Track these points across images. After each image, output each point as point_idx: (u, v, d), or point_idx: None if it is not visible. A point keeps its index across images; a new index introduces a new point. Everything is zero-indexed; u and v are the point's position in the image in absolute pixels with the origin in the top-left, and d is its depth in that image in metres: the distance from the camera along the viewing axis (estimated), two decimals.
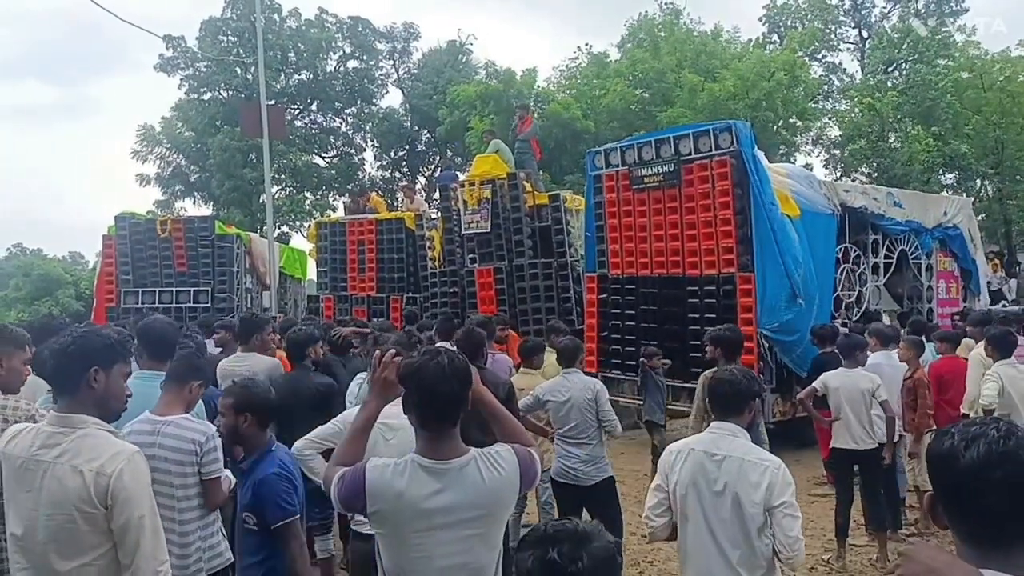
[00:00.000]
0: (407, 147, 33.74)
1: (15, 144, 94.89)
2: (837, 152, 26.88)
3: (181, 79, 30.83)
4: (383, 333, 6.85)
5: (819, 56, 29.04)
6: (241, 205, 29.18)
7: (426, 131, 32.81)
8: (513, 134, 14.88)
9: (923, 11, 27.94)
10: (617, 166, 10.29)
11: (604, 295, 10.59)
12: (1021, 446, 1.47)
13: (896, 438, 6.43)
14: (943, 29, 25.10)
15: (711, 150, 9.27)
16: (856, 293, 10.58)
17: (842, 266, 10.36)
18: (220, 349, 6.92)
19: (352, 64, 33.03)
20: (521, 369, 6.70)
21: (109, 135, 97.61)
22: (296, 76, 32.32)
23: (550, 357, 6.55)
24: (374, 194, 21.04)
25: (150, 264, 14.95)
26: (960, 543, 1.54)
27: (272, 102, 23.82)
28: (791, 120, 24.47)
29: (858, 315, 10.27)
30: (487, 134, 15.74)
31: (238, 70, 30.43)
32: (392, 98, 35.64)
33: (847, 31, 30.04)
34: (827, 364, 6.92)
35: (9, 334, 3.58)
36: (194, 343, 6.41)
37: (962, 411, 6.32)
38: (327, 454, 4.04)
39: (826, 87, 28.49)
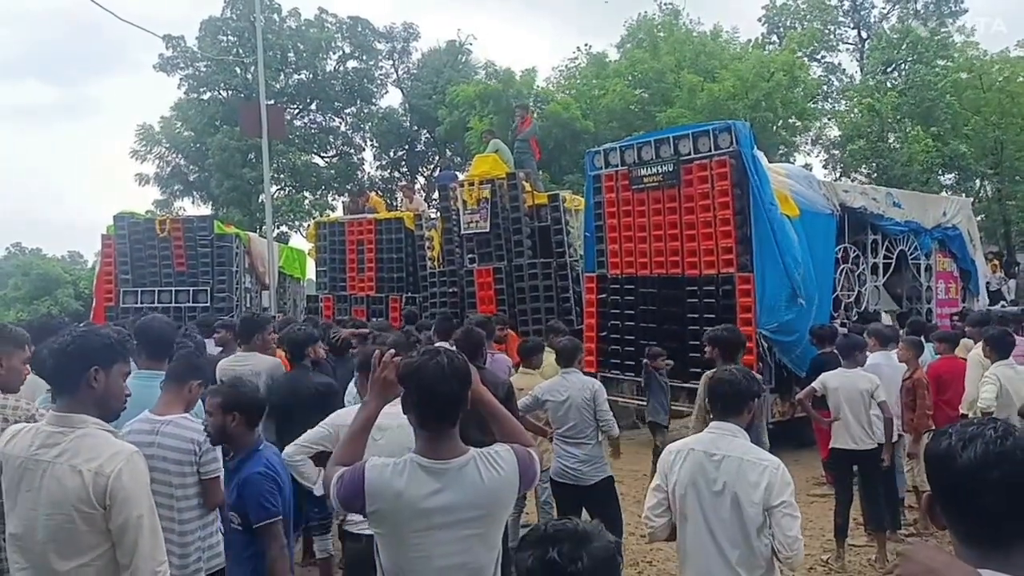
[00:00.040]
0: (406, 147, 33.73)
1: (15, 144, 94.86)
2: (836, 152, 26.89)
3: (180, 79, 30.83)
4: (381, 333, 6.87)
5: (818, 56, 29.04)
6: (240, 205, 29.16)
7: (425, 131, 32.80)
8: (512, 134, 14.88)
9: (922, 12, 27.97)
10: (616, 166, 10.29)
11: (603, 295, 10.59)
12: (1018, 446, 1.47)
13: (895, 438, 6.43)
14: (942, 30, 25.13)
15: (710, 150, 9.28)
16: (855, 293, 10.59)
17: (841, 266, 10.37)
18: (221, 349, 6.93)
19: (351, 64, 33.02)
20: (520, 369, 6.71)
21: (109, 135, 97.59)
22: (295, 76, 32.30)
23: (549, 357, 6.56)
24: (373, 194, 21.03)
25: (149, 264, 14.93)
26: (958, 543, 1.54)
27: (271, 102, 23.82)
28: (790, 120, 24.49)
29: (856, 315, 10.27)
30: (486, 134, 15.73)
31: (238, 70, 30.40)
32: (391, 98, 35.68)
33: (846, 32, 30.07)
34: (826, 364, 6.92)
35: (9, 333, 3.58)
36: (193, 343, 6.42)
37: (961, 411, 6.33)
38: (317, 458, 4.07)
39: (825, 87, 28.50)
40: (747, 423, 3.41)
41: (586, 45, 39.80)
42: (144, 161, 31.21)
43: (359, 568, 3.91)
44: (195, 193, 31.57)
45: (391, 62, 33.89)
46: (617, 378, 10.27)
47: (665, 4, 27.93)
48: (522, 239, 12.18)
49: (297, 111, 32.56)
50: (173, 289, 14.82)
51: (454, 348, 3.94)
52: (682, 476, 3.33)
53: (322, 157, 33.72)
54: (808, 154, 28.64)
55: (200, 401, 3.73)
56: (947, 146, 21.59)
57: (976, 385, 6.12)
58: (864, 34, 29.49)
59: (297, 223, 31.42)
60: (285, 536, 3.39)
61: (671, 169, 9.62)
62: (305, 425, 4.16)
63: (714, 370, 4.68)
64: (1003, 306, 13.96)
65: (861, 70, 28.17)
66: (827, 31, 28.96)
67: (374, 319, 12.04)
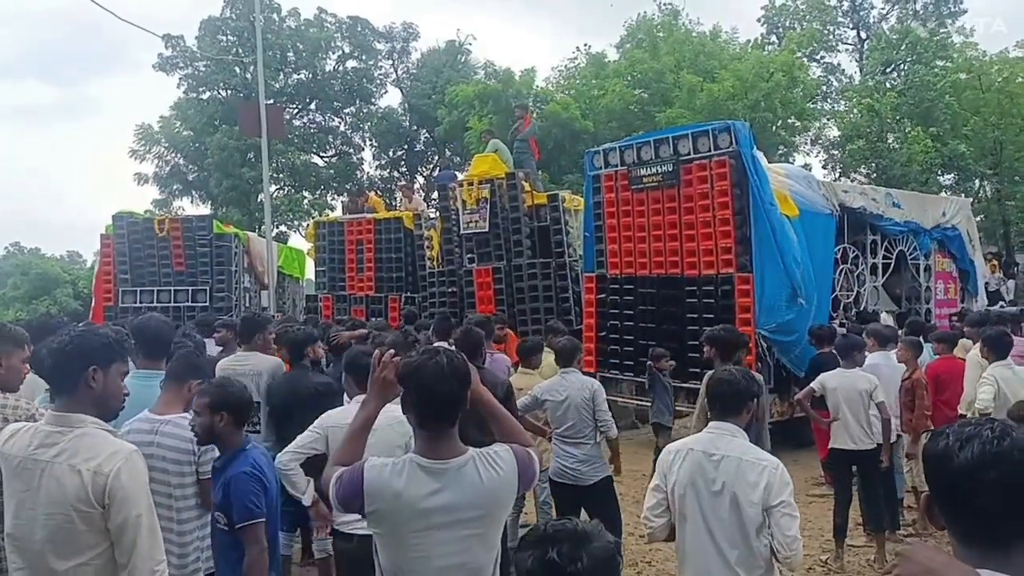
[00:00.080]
0: (406, 147, 33.74)
1: (14, 144, 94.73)
2: (836, 152, 26.91)
3: (180, 78, 30.84)
4: (380, 333, 6.87)
5: (818, 57, 29.06)
6: (239, 204, 29.16)
7: (425, 131, 32.81)
8: (512, 134, 14.88)
9: (921, 12, 27.99)
10: (616, 166, 10.29)
11: (603, 295, 10.59)
12: (1015, 446, 1.47)
13: (894, 439, 6.44)
14: (941, 30, 25.15)
15: (710, 150, 9.27)
16: (854, 294, 10.60)
17: (840, 266, 10.37)
18: (221, 348, 6.92)
19: (351, 64, 33.03)
20: (519, 369, 6.71)
21: (108, 135, 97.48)
22: (295, 75, 32.31)
23: (548, 357, 6.56)
24: (372, 194, 21.02)
25: (148, 263, 14.92)
26: (957, 543, 1.54)
27: (271, 101, 23.81)
28: (790, 121, 24.50)
29: (855, 315, 10.28)
30: (486, 134, 15.73)
31: (237, 69, 30.41)
32: (391, 98, 35.70)
33: (845, 32, 30.10)
34: (825, 364, 6.93)
35: (8, 333, 3.57)
36: (193, 342, 6.41)
37: (959, 412, 6.32)
38: (308, 465, 4.07)
39: (825, 88, 28.52)
40: (746, 423, 3.41)
41: (586, 45, 39.84)
42: (143, 161, 31.30)
43: (351, 567, 3.91)
44: (194, 193, 31.58)
45: (390, 62, 33.92)
46: (616, 378, 10.27)
47: (665, 4, 28.00)
48: (521, 239, 12.18)
49: (296, 111, 32.56)
50: (172, 289, 14.82)
51: (453, 348, 3.95)
52: (681, 476, 3.33)
53: (321, 157, 33.73)
54: (807, 154, 28.71)
55: None
56: (946, 146, 21.62)
57: (975, 385, 6.12)
58: (863, 34, 29.51)
59: (296, 223, 31.45)
60: (270, 538, 3.36)
61: (670, 169, 9.62)
62: (305, 425, 4.16)
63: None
64: (1002, 306, 13.97)
65: (860, 70, 28.21)
66: (826, 31, 28.98)
67: (373, 319, 12.03)
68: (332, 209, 29.43)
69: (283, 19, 31.43)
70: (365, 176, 33.68)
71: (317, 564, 5.42)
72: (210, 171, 29.44)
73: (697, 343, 7.40)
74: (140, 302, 14.45)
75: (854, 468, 6.35)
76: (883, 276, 11.12)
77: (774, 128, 23.42)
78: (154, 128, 31.43)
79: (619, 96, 23.46)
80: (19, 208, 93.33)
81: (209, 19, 30.49)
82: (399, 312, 13.18)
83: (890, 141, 22.93)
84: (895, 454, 6.60)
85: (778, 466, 3.23)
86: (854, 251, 10.64)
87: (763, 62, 23.24)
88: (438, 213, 14.07)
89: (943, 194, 20.37)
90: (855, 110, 23.98)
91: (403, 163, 34.17)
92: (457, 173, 16.40)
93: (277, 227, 28.80)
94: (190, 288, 14.79)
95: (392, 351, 2.74)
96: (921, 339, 7.32)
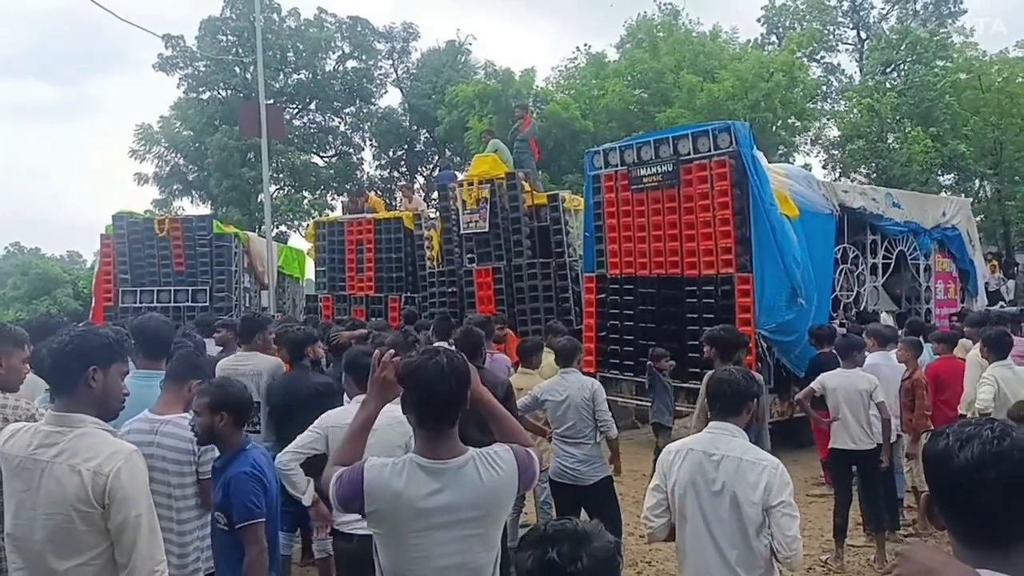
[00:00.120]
0: (406, 147, 33.74)
1: (14, 143, 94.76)
2: (836, 152, 26.91)
3: (180, 78, 30.84)
4: (380, 333, 6.87)
5: (818, 57, 29.07)
6: (239, 204, 29.16)
7: (425, 131, 32.81)
8: (512, 134, 14.88)
9: (921, 12, 28.00)
10: (616, 166, 10.29)
11: (602, 295, 10.59)
12: (1015, 446, 1.47)
13: (894, 439, 6.44)
14: (941, 30, 25.16)
15: (710, 150, 9.28)
16: (854, 294, 10.60)
17: (840, 267, 10.37)
18: (221, 348, 6.92)
19: (351, 64, 33.03)
20: (519, 369, 6.71)
21: (108, 134, 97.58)
22: (295, 75, 32.30)
23: (548, 357, 6.56)
24: (372, 194, 21.02)
25: (148, 263, 14.93)
26: (956, 543, 1.54)
27: (271, 101, 23.81)
28: (790, 121, 24.50)
29: (855, 315, 10.28)
30: (486, 134, 15.73)
31: (237, 69, 30.41)
32: (391, 98, 35.70)
33: (845, 32, 30.11)
34: (825, 364, 6.93)
35: (8, 332, 3.57)
36: (193, 342, 6.41)
37: (959, 412, 6.33)
38: (308, 466, 4.07)
39: (825, 88, 28.53)
40: (746, 423, 3.42)
41: (586, 45, 39.83)
42: (143, 161, 31.30)
43: (352, 567, 3.91)
44: (194, 193, 31.58)
45: (390, 62, 33.93)
46: (616, 378, 10.27)
47: (665, 4, 28.00)
48: (521, 239, 12.18)
49: (296, 111, 32.57)
50: (172, 289, 14.82)
51: (453, 348, 3.95)
52: (681, 476, 3.33)
53: (321, 157, 33.73)
54: (807, 154, 28.72)
55: None
56: (946, 146, 21.62)
57: (975, 385, 6.12)
58: (863, 34, 29.52)
59: (296, 223, 31.45)
60: (270, 538, 3.36)
61: (670, 169, 9.62)
62: (305, 425, 4.16)
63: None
64: (1002, 306, 13.97)
65: (860, 70, 28.22)
66: (826, 31, 28.99)
67: (373, 319, 12.03)
68: (332, 209, 29.46)
69: (283, 19, 31.44)
70: (365, 176, 33.70)
71: (317, 564, 5.42)
72: (210, 171, 29.43)
73: (697, 343, 7.41)
74: (140, 302, 14.45)
75: (854, 468, 6.35)
76: (883, 276, 11.13)
77: (774, 128, 23.42)
78: (154, 128, 31.44)
79: (619, 96, 23.46)
80: (19, 208, 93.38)
81: (209, 19, 30.51)
82: (399, 312, 13.17)
83: (890, 141, 22.93)
84: (895, 454, 6.60)
85: (778, 466, 3.23)
86: (854, 251, 10.64)
87: (763, 62, 23.23)
88: (438, 213, 14.07)
89: (943, 194, 20.37)
90: (855, 110, 23.98)
91: (403, 163, 34.18)
92: (457, 173, 16.40)
93: (277, 227, 28.81)
94: (190, 288, 14.79)
95: (392, 351, 2.74)
96: (921, 339, 7.32)
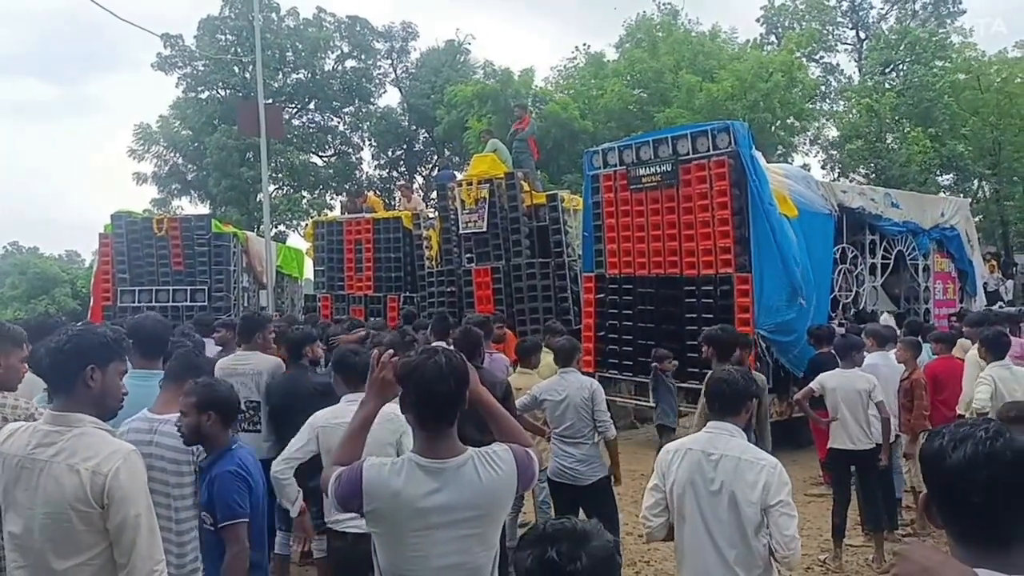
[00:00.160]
0: (405, 146, 33.73)
1: (13, 142, 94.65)
2: (835, 153, 26.94)
3: (179, 78, 30.81)
4: (378, 332, 6.87)
5: (817, 57, 29.08)
6: (238, 204, 29.14)
7: (424, 130, 32.80)
8: (511, 134, 14.88)
9: (920, 13, 28.02)
10: (615, 166, 10.29)
11: (601, 295, 10.60)
12: (1008, 447, 1.47)
13: (892, 439, 6.44)
14: (940, 31, 25.17)
15: (709, 150, 9.28)
16: (853, 294, 10.61)
17: (839, 267, 10.38)
18: (220, 348, 6.92)
19: (350, 63, 33.02)
20: (518, 369, 6.72)
21: (107, 134, 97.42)
22: (294, 75, 32.28)
23: (547, 357, 6.56)
24: (371, 193, 21.01)
25: (147, 263, 14.92)
26: (954, 543, 1.54)
27: (270, 101, 23.81)
28: (789, 121, 24.50)
29: (852, 315, 10.29)
30: (485, 133, 15.73)
31: (236, 69, 30.39)
32: (390, 97, 35.66)
33: (844, 32, 30.13)
34: (824, 364, 6.93)
35: (6, 332, 3.57)
36: (192, 342, 6.40)
37: (958, 412, 6.33)
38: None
39: (824, 88, 28.53)
40: (745, 423, 3.42)
41: (585, 45, 39.85)
42: (142, 160, 31.28)
43: (347, 565, 3.91)
44: (193, 192, 31.56)
45: (389, 62, 33.91)
46: (615, 378, 10.28)
47: (664, 4, 28.00)
48: (520, 239, 12.18)
49: (295, 110, 32.55)
50: (171, 288, 14.82)
51: (452, 347, 3.95)
52: (680, 476, 3.33)
53: (320, 156, 33.72)
54: (806, 154, 28.75)
55: None
56: (945, 147, 21.64)
57: (973, 386, 6.12)
58: (862, 35, 29.54)
59: (295, 222, 31.42)
60: (257, 538, 3.33)
61: (669, 169, 9.63)
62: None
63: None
64: (1000, 307, 13.98)
65: (859, 71, 28.24)
66: (825, 32, 29.00)
67: (372, 319, 12.03)
68: (331, 209, 29.43)
69: (282, 18, 31.42)
70: (364, 176, 33.67)
71: (316, 564, 5.41)
72: (209, 170, 29.41)
73: (696, 343, 7.41)
74: (138, 301, 14.45)
75: (853, 468, 6.36)
76: (882, 276, 11.14)
77: (773, 128, 23.42)
78: (153, 127, 31.43)
79: (618, 96, 23.46)
80: (18, 207, 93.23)
81: (208, 18, 30.47)
82: (398, 312, 13.17)
83: (889, 141, 22.95)
84: (893, 454, 6.60)
85: (776, 466, 3.24)
86: (853, 251, 10.65)
87: (762, 62, 23.23)
88: (437, 213, 14.07)
89: (942, 194, 20.38)
90: (854, 110, 24.00)
91: (402, 163, 34.17)
92: (456, 173, 16.39)
93: (276, 227, 28.79)
94: (188, 288, 14.79)
95: (391, 351, 2.74)
96: (920, 339, 7.33)
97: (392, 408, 2.75)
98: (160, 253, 14.90)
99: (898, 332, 8.20)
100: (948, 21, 27.17)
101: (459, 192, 12.77)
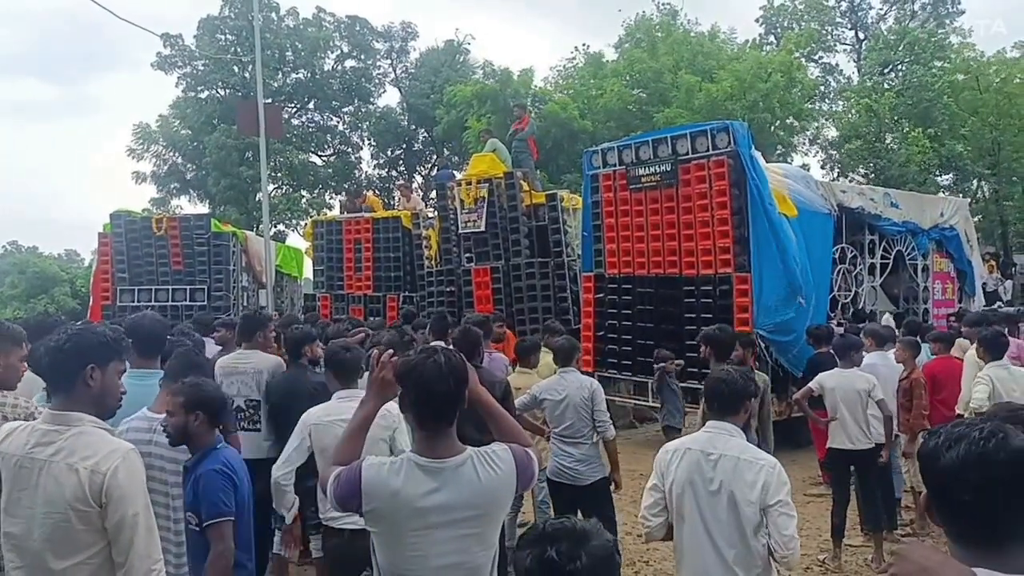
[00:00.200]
0: (404, 146, 33.72)
1: (13, 142, 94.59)
2: (834, 152, 26.93)
3: (178, 77, 30.81)
4: (377, 332, 6.87)
5: (816, 57, 29.10)
6: (237, 203, 29.12)
7: (423, 130, 32.80)
8: (510, 134, 14.88)
9: (919, 13, 28.02)
10: (614, 166, 10.29)
11: (601, 295, 10.60)
12: (1001, 447, 1.47)
13: (892, 438, 6.44)
14: (939, 31, 25.19)
15: (708, 150, 9.29)
16: (852, 293, 10.62)
17: (839, 266, 10.39)
18: (220, 348, 6.91)
19: (349, 63, 33.01)
20: (517, 368, 6.71)
21: (107, 133, 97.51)
22: (293, 75, 32.27)
23: (546, 357, 6.56)
24: (370, 193, 21.00)
25: (146, 262, 14.92)
26: (953, 543, 1.55)
27: (269, 100, 23.79)
28: (788, 121, 24.50)
29: (851, 314, 10.30)
30: (484, 133, 15.73)
31: (235, 68, 30.38)
32: (389, 97, 35.67)
33: (844, 32, 30.14)
34: (823, 364, 6.94)
35: (6, 331, 3.57)
36: (191, 341, 6.40)
37: (957, 412, 6.33)
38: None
39: (823, 88, 28.53)
40: (744, 422, 3.42)
41: (584, 45, 39.86)
42: (141, 159, 31.29)
43: (343, 562, 3.90)
44: (192, 191, 31.56)
45: (389, 61, 33.90)
46: (615, 377, 10.28)
47: (663, 4, 28.00)
48: (519, 238, 12.18)
49: (295, 110, 32.54)
50: (170, 288, 14.82)
51: (451, 347, 3.95)
52: (679, 475, 3.33)
53: (319, 156, 33.70)
54: (806, 154, 28.75)
55: None
56: (944, 147, 21.66)
57: (971, 385, 6.12)
58: (861, 35, 29.55)
59: (294, 222, 31.41)
60: (243, 538, 3.32)
61: (669, 169, 9.63)
62: None
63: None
64: (999, 307, 13.98)
65: (859, 71, 28.25)
66: (824, 32, 29.01)
67: (371, 318, 12.04)
68: (330, 208, 29.42)
69: (282, 18, 31.40)
70: (363, 175, 33.67)
71: (315, 563, 5.41)
72: (208, 170, 29.40)
73: (695, 343, 7.42)
74: (138, 301, 14.44)
75: (852, 468, 6.36)
76: (881, 276, 11.14)
77: (772, 128, 23.42)
78: (152, 127, 31.42)
79: (617, 96, 23.45)
80: (17, 206, 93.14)
81: (208, 18, 30.46)
82: (397, 312, 13.17)
83: (888, 141, 22.95)
84: (892, 454, 6.60)
85: (775, 465, 3.24)
86: (852, 251, 10.65)
87: (761, 62, 23.23)
88: (436, 212, 14.07)
89: (941, 194, 20.39)
90: (853, 110, 24.00)
91: (401, 162, 34.16)
92: (455, 172, 16.41)
93: (275, 226, 28.77)
94: (188, 287, 14.79)
95: (390, 351, 2.74)
96: (919, 339, 7.34)
97: (385, 404, 2.76)
98: (159, 252, 14.90)
99: (897, 332, 8.20)
100: (947, 21, 27.20)
101: (458, 192, 12.77)
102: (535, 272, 12.07)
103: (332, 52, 32.70)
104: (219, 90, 31.09)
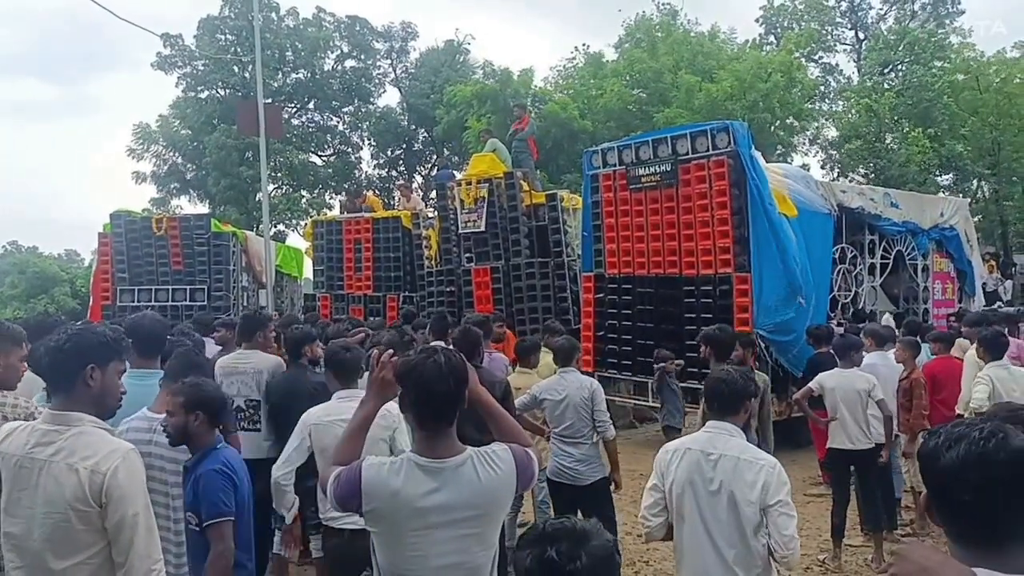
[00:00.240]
0: (404, 146, 33.73)
1: (12, 142, 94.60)
2: (834, 152, 26.93)
3: (178, 77, 30.82)
4: (376, 332, 6.87)
5: (816, 57, 29.10)
6: (237, 203, 29.12)
7: (423, 130, 32.80)
8: (510, 134, 14.88)
9: (919, 13, 28.03)
10: (614, 166, 10.29)
11: (601, 295, 10.60)
12: (1001, 447, 1.47)
13: (892, 438, 6.44)
14: (939, 31, 25.19)
15: (708, 150, 9.29)
16: (852, 294, 10.61)
17: (839, 266, 10.39)
18: (220, 348, 6.91)
19: (349, 63, 33.01)
20: (517, 368, 6.71)
21: (107, 133, 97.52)
22: (293, 75, 32.27)
23: (546, 357, 6.56)
24: (370, 193, 21.00)
25: (146, 262, 14.92)
26: (953, 543, 1.55)
27: (269, 100, 23.79)
28: (788, 121, 24.50)
29: (851, 314, 10.30)
30: (484, 133, 15.73)
31: (235, 68, 30.38)
32: (389, 97, 35.68)
33: (844, 32, 30.15)
34: (823, 364, 6.94)
35: (6, 331, 3.57)
36: (192, 341, 6.40)
37: (957, 412, 6.33)
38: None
39: (823, 88, 28.54)
40: (744, 422, 3.42)
41: (584, 45, 39.86)
42: (141, 159, 31.29)
43: (343, 562, 3.90)
44: (192, 191, 31.56)
45: (389, 61, 33.91)
46: (615, 377, 10.27)
47: (663, 4, 28.00)
48: (519, 238, 12.18)
49: (295, 110, 32.54)
50: (170, 288, 14.82)
51: (451, 347, 3.95)
52: (679, 475, 3.33)
53: (319, 156, 33.71)
54: (806, 154, 28.75)
55: None
56: (944, 147, 21.66)
57: (971, 385, 6.12)
58: (861, 35, 29.56)
59: (294, 222, 31.41)
60: (243, 538, 3.31)
61: (669, 169, 9.63)
62: None
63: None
64: (999, 307, 13.98)
65: (859, 71, 28.25)
66: (824, 32, 29.01)
67: (371, 318, 12.04)
68: (330, 208, 29.42)
69: (282, 18, 31.40)
70: (363, 175, 33.68)
71: (315, 563, 5.41)
72: (208, 170, 29.40)
73: (695, 343, 7.42)
74: (138, 301, 14.45)
75: (852, 468, 6.36)
76: (881, 276, 11.14)
77: (772, 128, 23.42)
78: (152, 127, 31.43)
79: (617, 96, 23.45)
80: (17, 206, 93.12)
81: (208, 18, 30.46)
82: (397, 311, 13.17)
83: (888, 141, 22.95)
84: (892, 453, 6.61)
85: (775, 465, 3.24)
86: (852, 251, 10.65)
87: (761, 62, 23.23)
88: (436, 212, 14.07)
89: (941, 194, 20.39)
90: (853, 110, 24.00)
91: (401, 162, 34.17)
92: (455, 172, 16.40)
93: (275, 226, 28.77)
94: (188, 287, 14.79)
95: (390, 351, 2.74)
96: (919, 339, 7.33)
97: (385, 404, 2.76)
98: (159, 252, 14.90)
99: (897, 332, 8.20)
100: (947, 21, 27.21)
101: (458, 192, 12.77)
102: (535, 272, 12.06)
103: (332, 52, 32.71)
104: (219, 90, 31.10)
